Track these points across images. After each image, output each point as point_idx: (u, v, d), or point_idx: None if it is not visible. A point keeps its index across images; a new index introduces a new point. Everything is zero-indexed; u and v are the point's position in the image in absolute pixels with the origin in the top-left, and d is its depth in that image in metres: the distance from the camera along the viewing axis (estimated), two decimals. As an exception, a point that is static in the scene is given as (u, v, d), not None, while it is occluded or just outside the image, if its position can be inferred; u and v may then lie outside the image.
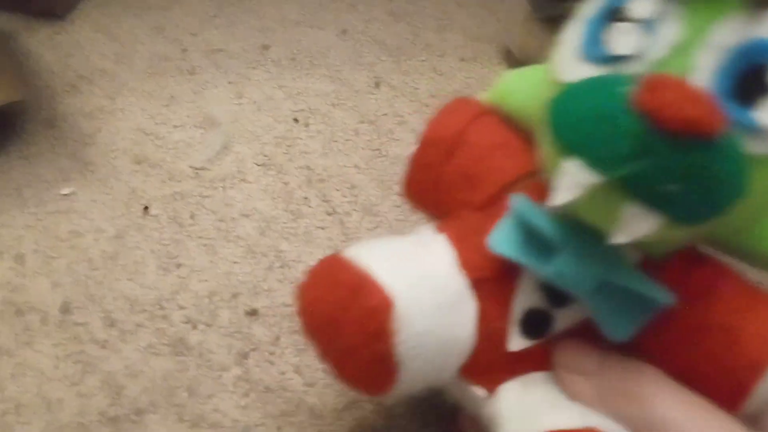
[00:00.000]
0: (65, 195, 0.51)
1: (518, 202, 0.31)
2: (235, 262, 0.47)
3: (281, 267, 0.47)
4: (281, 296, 0.45)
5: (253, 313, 0.44)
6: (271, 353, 0.42)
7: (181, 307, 0.44)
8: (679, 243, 0.29)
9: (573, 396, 0.30)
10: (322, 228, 0.50)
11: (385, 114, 0.58)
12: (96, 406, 0.40)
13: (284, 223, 0.50)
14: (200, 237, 0.49)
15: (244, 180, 0.53)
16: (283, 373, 0.41)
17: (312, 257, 0.47)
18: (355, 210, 0.51)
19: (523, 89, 0.35)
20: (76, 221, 0.50)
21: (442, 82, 0.62)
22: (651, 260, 0.29)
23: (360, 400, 0.40)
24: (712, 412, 0.27)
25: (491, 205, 0.33)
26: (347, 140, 0.56)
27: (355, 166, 0.54)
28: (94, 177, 0.53)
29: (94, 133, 0.56)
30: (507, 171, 0.33)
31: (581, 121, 0.25)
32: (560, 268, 0.29)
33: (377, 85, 0.61)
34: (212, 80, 0.62)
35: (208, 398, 0.40)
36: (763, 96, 0.25)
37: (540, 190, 0.29)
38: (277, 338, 0.43)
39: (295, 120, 0.58)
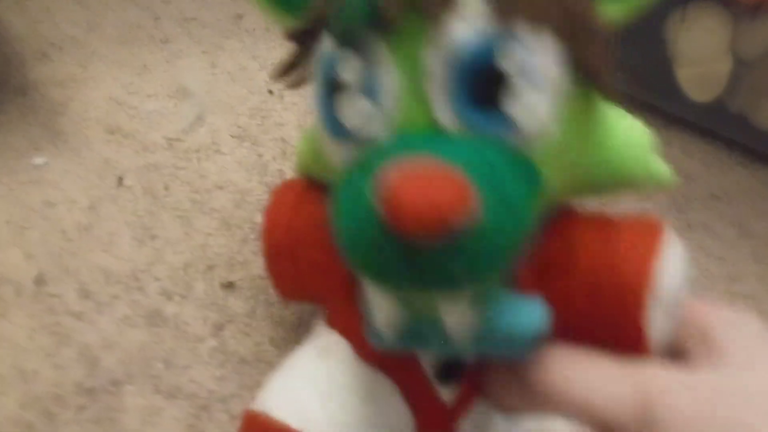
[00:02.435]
0: (37, 165, 0.51)
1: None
2: (210, 234, 0.47)
3: (256, 240, 0.47)
4: (257, 269, 0.45)
5: (228, 285, 0.45)
6: (247, 325, 0.43)
7: (157, 279, 0.45)
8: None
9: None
10: (297, 201, 0.50)
11: (360, 86, 0.58)
12: (72, 377, 0.40)
13: (259, 195, 0.50)
14: (175, 209, 0.49)
15: (218, 151, 0.53)
16: (258, 345, 0.42)
17: (287, 230, 0.48)
18: (329, 183, 0.51)
19: (316, 157, 0.34)
20: (48, 192, 0.49)
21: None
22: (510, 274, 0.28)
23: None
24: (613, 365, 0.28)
25: (350, 292, 0.32)
26: (322, 113, 0.56)
27: (330, 139, 0.54)
28: (66, 147, 0.52)
29: (66, 102, 0.55)
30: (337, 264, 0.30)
31: (351, 238, 0.24)
32: (435, 349, 0.29)
33: (352, 57, 0.61)
34: (186, 49, 0.61)
35: (184, 369, 0.41)
36: (502, 92, 0.24)
37: None
38: (253, 310, 0.43)
39: (270, 92, 0.58)
